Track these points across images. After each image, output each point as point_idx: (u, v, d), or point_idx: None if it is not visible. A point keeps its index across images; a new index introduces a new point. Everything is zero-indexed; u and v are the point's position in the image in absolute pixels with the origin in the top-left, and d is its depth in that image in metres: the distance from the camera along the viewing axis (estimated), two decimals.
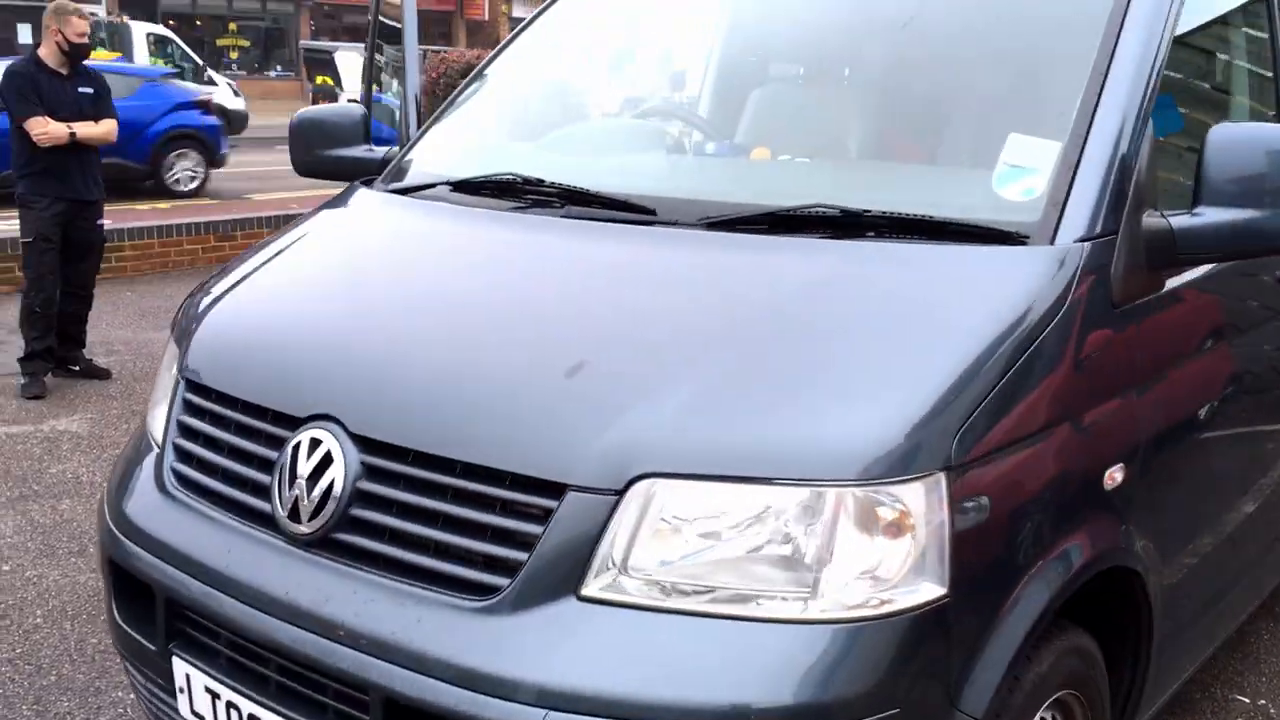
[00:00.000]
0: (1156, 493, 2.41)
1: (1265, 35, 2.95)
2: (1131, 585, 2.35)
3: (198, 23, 35.37)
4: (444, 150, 3.17)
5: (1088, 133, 2.29)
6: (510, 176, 2.71)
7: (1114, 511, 2.25)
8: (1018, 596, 1.97)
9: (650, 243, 2.39)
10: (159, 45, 22.15)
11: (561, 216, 2.54)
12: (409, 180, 2.99)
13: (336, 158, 3.28)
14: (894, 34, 2.84)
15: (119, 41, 21.22)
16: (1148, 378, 2.35)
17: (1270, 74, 2.96)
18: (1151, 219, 2.28)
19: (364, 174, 3.14)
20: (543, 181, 2.65)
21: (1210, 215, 2.27)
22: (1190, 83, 2.87)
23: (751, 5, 3.40)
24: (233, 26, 36.74)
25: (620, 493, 1.84)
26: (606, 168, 2.91)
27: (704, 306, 2.17)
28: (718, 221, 2.35)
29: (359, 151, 3.27)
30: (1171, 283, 2.42)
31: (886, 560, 1.83)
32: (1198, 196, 2.29)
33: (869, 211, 2.28)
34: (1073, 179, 2.24)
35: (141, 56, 21.01)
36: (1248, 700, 3.41)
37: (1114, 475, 2.23)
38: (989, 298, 2.08)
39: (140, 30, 22.16)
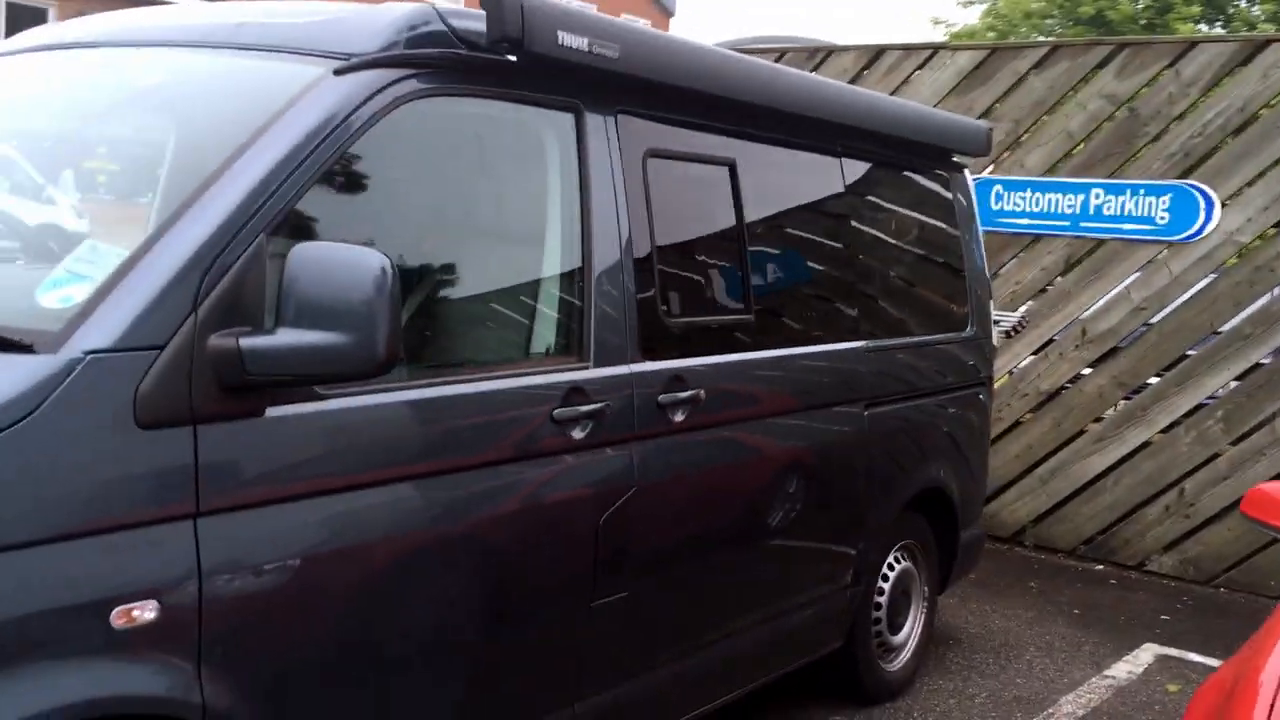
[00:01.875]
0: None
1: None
2: None
3: None
4: None
5: (155, 242, 2.16)
6: None
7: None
8: None
9: None
10: None
11: None
12: None
13: None
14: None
15: None
16: (213, 508, 2.16)
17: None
18: (221, 338, 2.15)
19: None
20: None
21: (285, 336, 2.17)
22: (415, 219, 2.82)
23: None
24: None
25: None
26: None
27: None
28: None
29: None
30: (283, 411, 2.27)
31: None
32: (277, 317, 2.18)
33: None
34: (112, 289, 2.09)
35: None
36: None
37: (132, 614, 2.01)
38: None
39: None
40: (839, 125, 4.03)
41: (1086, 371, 6.83)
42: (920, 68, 7.24)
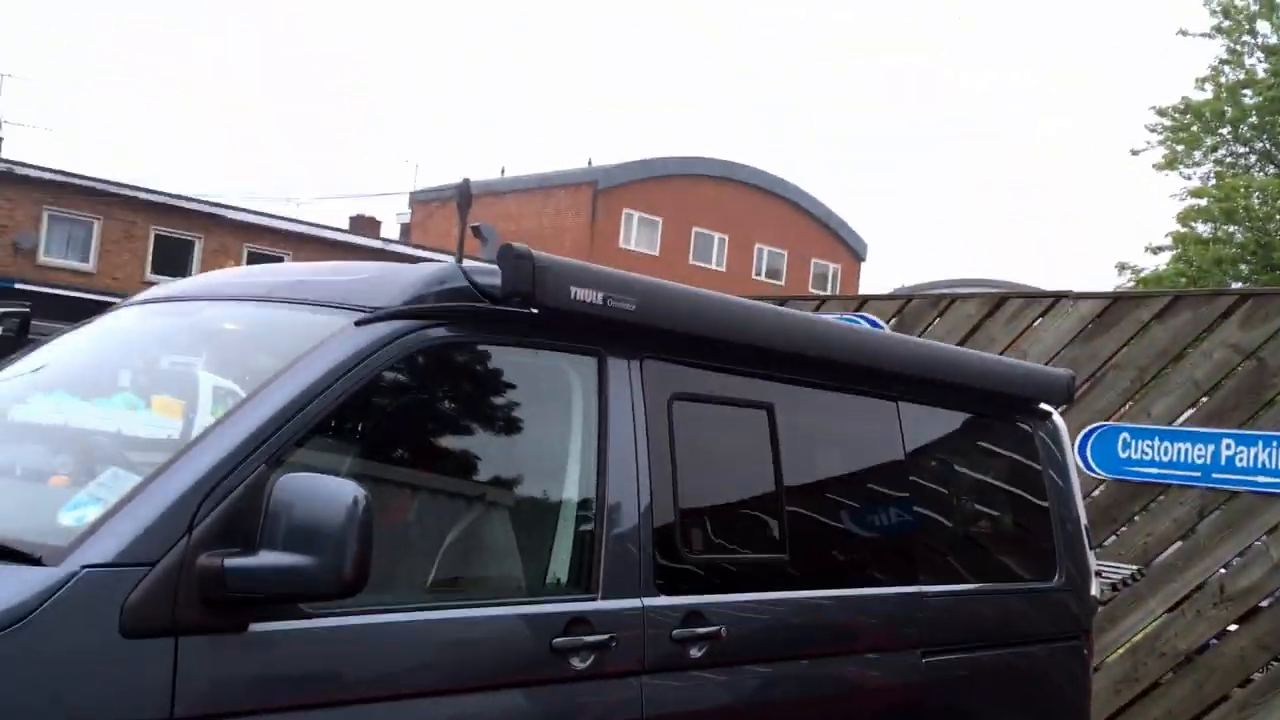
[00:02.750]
0: None
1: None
2: None
3: None
4: None
5: (163, 472, 2.46)
6: None
7: None
8: None
9: None
10: None
11: None
12: None
13: None
14: None
15: None
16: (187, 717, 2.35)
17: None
18: (209, 558, 2.40)
19: None
20: None
21: (266, 558, 2.40)
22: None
23: None
24: None
25: None
26: None
27: None
28: None
29: None
30: (266, 626, 2.48)
31: None
32: (260, 540, 2.42)
33: None
34: (117, 512, 2.38)
35: None
36: None
37: None
38: None
39: None
40: (893, 373, 4.14)
41: (1232, 628, 6.42)
42: (1042, 315, 7.27)
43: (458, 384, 3.12)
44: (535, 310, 3.05)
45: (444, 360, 3.02)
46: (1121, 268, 26.41)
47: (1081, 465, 6.72)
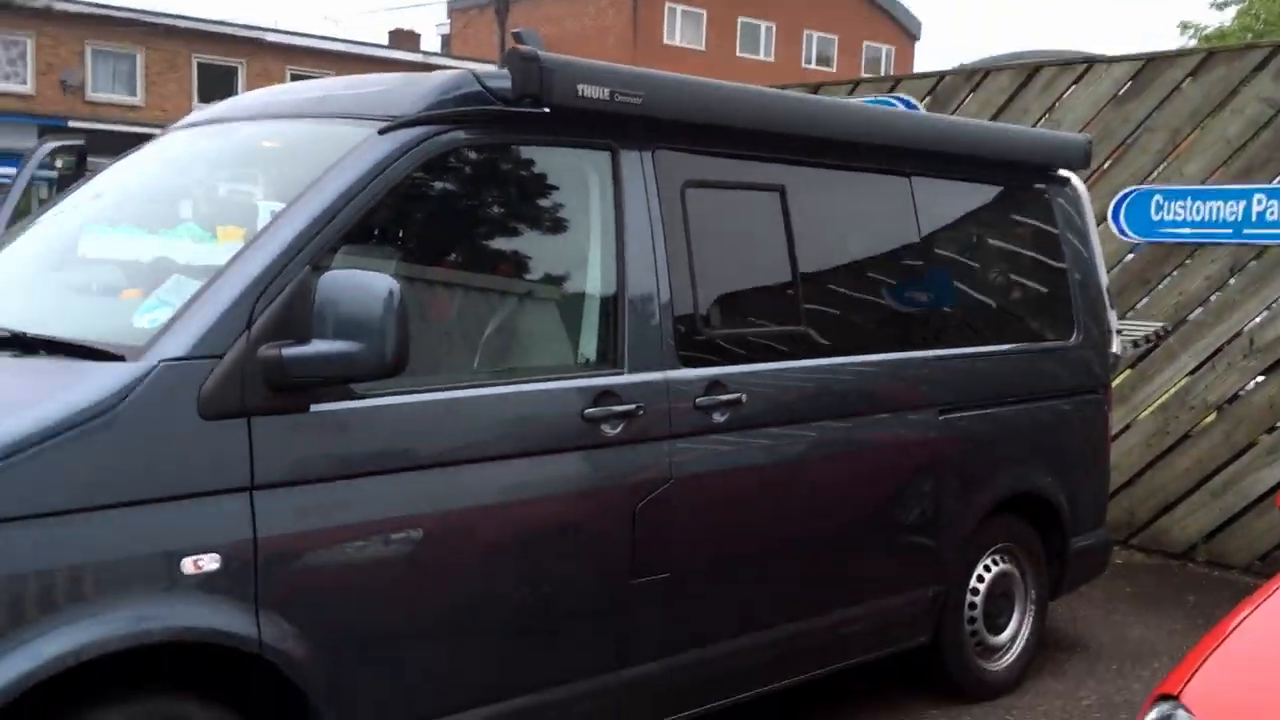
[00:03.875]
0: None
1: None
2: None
3: None
4: None
5: (220, 277, 2.77)
6: None
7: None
8: None
9: None
10: None
11: None
12: None
13: None
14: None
15: None
16: (266, 483, 2.73)
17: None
18: (269, 349, 2.72)
19: None
20: None
21: (318, 346, 2.72)
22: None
23: None
24: None
25: None
26: None
27: None
28: None
29: None
30: (326, 406, 2.82)
31: None
32: (311, 331, 2.73)
33: None
34: (184, 313, 2.70)
35: None
36: None
37: (199, 563, 2.60)
38: (60, 393, 2.53)
39: None
40: (902, 149, 4.30)
41: (1258, 380, 6.63)
42: (1075, 82, 7.25)
43: (480, 184, 3.36)
44: (547, 110, 3.25)
45: (465, 162, 3.25)
46: (1184, 27, 25.47)
47: (1115, 230, 6.83)
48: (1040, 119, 7.33)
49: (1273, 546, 6.50)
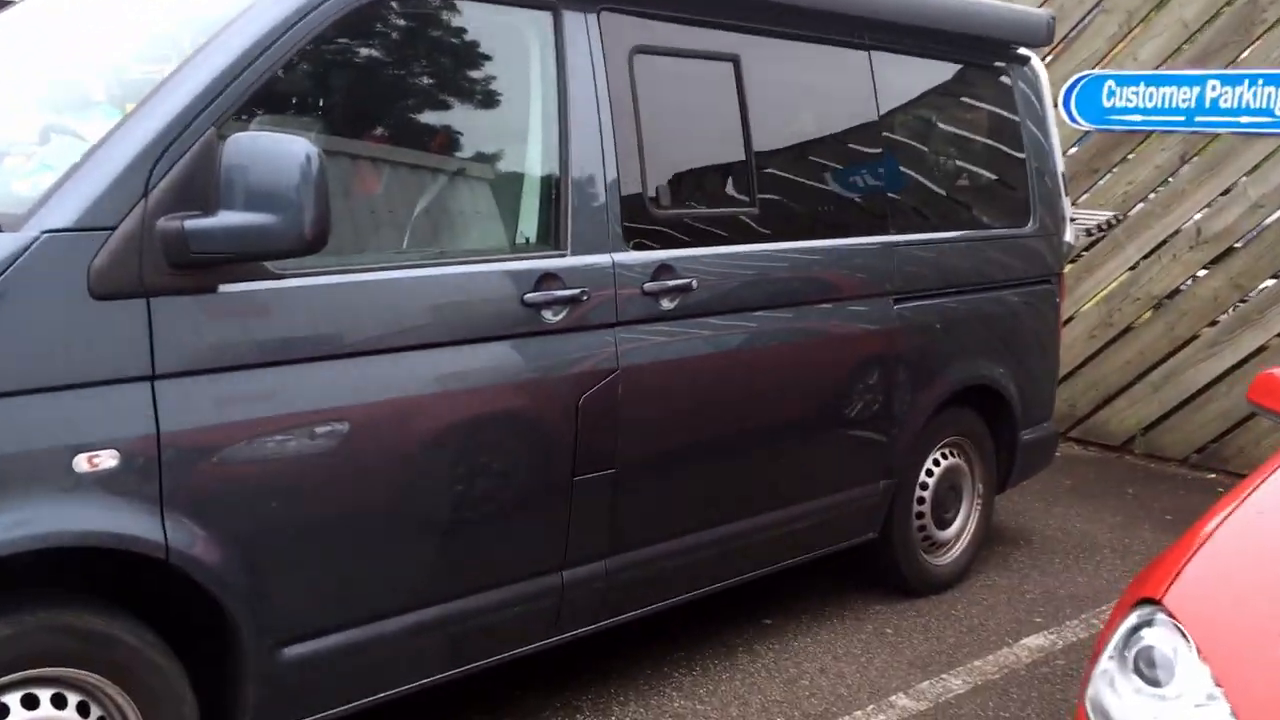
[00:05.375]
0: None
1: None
2: None
3: None
4: None
5: (111, 136, 2.44)
6: None
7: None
8: None
9: None
10: None
11: None
12: None
13: None
14: None
15: None
16: (169, 372, 2.44)
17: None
18: (169, 220, 2.40)
19: None
20: None
21: (226, 218, 2.41)
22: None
23: None
24: None
25: None
26: None
27: None
28: None
29: None
30: (236, 287, 2.52)
31: None
32: (217, 201, 2.42)
33: None
34: (69, 177, 2.37)
35: None
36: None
37: (94, 460, 2.32)
38: None
39: None
40: (862, 19, 4.02)
41: (1201, 274, 6.55)
42: None
43: (409, 44, 3.02)
44: None
45: (393, 14, 2.91)
46: None
47: (1065, 118, 6.64)
48: None
49: (1209, 440, 6.50)
